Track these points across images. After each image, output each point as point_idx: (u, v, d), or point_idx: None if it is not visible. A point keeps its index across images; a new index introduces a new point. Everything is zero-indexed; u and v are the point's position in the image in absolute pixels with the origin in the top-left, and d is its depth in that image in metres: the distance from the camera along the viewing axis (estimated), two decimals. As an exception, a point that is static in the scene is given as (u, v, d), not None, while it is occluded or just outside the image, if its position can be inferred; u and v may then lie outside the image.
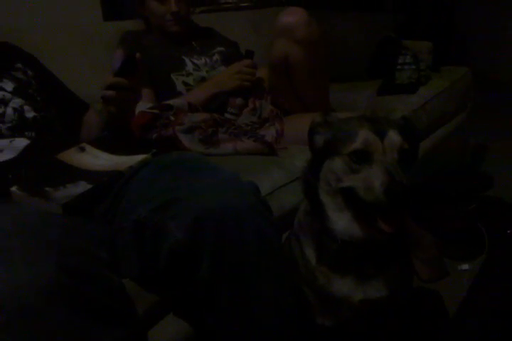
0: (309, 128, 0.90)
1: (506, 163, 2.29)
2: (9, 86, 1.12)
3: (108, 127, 1.13)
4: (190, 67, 1.64)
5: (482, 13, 4.14)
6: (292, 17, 1.42)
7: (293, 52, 1.45)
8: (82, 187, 0.91)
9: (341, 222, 0.85)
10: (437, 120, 1.88)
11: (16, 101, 1.10)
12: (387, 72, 1.84)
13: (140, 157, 1.01)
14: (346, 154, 0.81)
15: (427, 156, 1.80)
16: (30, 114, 1.10)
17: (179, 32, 1.66)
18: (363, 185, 0.78)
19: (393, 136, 0.81)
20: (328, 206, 0.85)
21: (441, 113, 1.90)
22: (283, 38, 1.44)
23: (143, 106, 1.34)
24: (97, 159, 1.01)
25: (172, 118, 1.35)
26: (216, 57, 1.72)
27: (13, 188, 0.89)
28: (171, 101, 1.41)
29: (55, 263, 0.65)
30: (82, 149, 1.03)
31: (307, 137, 0.90)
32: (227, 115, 1.52)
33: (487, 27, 4.13)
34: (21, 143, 1.03)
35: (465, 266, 1.56)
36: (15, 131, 1.06)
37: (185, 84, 1.61)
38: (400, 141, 0.80)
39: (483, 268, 1.51)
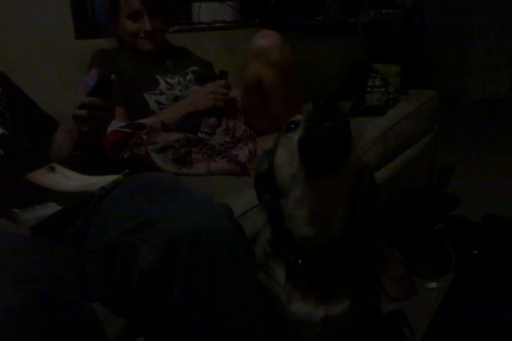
0: (254, 181, 0.92)
1: (472, 183, 2.36)
2: None
3: (79, 146, 1.12)
4: (163, 86, 1.64)
5: (448, 38, 4.31)
6: (266, 40, 1.45)
7: (266, 75, 1.47)
8: (51, 208, 0.89)
9: (300, 217, 0.83)
10: (405, 141, 1.93)
11: (-15, 118, 1.08)
12: (357, 94, 1.88)
13: (112, 177, 1.00)
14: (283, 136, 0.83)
15: (396, 176, 1.84)
16: (-2, 130, 1.08)
17: (152, 51, 1.66)
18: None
19: None
20: (287, 207, 0.84)
21: (409, 134, 1.95)
22: (257, 60, 1.46)
23: (115, 125, 1.33)
24: (67, 179, 0.99)
25: (145, 137, 1.34)
26: (190, 76, 1.72)
27: (-21, 209, 0.87)
28: (143, 120, 1.41)
29: (23, 289, 0.63)
30: (53, 169, 1.01)
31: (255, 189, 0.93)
32: (200, 134, 1.52)
33: (453, 51, 4.30)
34: (-11, 161, 1.01)
35: (432, 284, 1.59)
36: (-18, 149, 1.03)
37: (159, 103, 1.61)
38: None
39: (451, 287, 1.54)
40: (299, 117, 0.82)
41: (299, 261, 0.86)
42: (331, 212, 0.83)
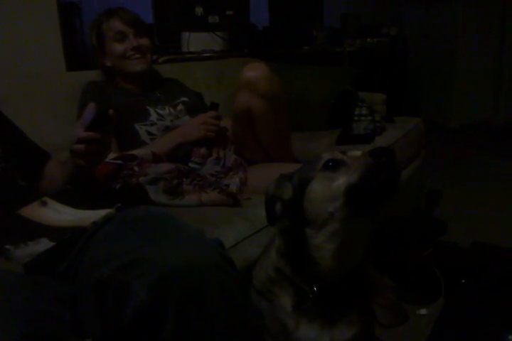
0: (265, 201, 0.92)
1: (459, 208, 2.39)
2: None
3: (73, 179, 1.13)
4: (154, 117, 1.65)
5: (431, 65, 4.42)
6: (255, 72, 1.48)
7: (256, 105, 1.50)
8: (44, 244, 0.88)
9: (329, 250, 0.86)
10: (393, 168, 1.95)
11: (-24, 152, 1.08)
12: (345, 122, 1.92)
13: (104, 212, 1.00)
14: (318, 171, 0.85)
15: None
16: (-11, 165, 1.08)
17: (143, 72, 1.68)
18: (354, 176, 0.80)
19: (354, 152, 0.87)
20: (316, 238, 0.86)
21: (396, 161, 1.97)
22: (246, 91, 1.49)
23: (106, 156, 1.34)
24: (59, 214, 0.99)
25: (136, 168, 1.35)
26: (180, 107, 1.74)
27: (-29, 247, 0.87)
28: (135, 152, 1.42)
29: (19, 331, 0.63)
30: (44, 203, 1.01)
31: (265, 210, 0.93)
32: (191, 164, 1.53)
33: (436, 77, 4.40)
34: (-20, 196, 1.01)
35: (423, 311, 1.60)
36: (-27, 184, 1.04)
37: (149, 133, 1.63)
38: (362, 153, 0.86)
39: (442, 313, 1.54)
40: (338, 155, 0.86)
41: (315, 288, 0.89)
42: (358, 247, 0.89)
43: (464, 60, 4.25)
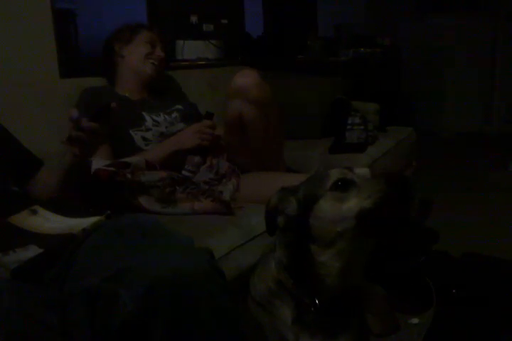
0: (266, 213, 0.92)
1: (451, 218, 2.40)
2: None
3: (64, 187, 1.12)
4: (149, 122, 1.66)
5: (424, 75, 4.47)
6: (245, 79, 1.49)
7: (246, 111, 1.50)
8: (32, 251, 0.88)
9: (335, 267, 0.86)
10: (385, 177, 1.96)
11: (-30, 159, 1.07)
12: (338, 131, 1.93)
13: (93, 219, 0.99)
14: (327, 191, 0.83)
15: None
16: (-18, 172, 1.08)
17: (151, 76, 1.75)
18: (368, 201, 0.79)
19: (361, 170, 0.87)
20: (322, 256, 0.86)
21: (389, 171, 1.99)
22: (237, 98, 1.50)
23: (99, 163, 1.34)
24: (49, 222, 0.98)
25: (129, 176, 1.35)
26: (175, 114, 1.76)
27: (-40, 253, 0.86)
28: (128, 159, 1.42)
29: (2, 331, 0.62)
30: (34, 212, 1.00)
31: (265, 222, 0.93)
32: (184, 172, 1.53)
33: (429, 87, 4.44)
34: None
35: (415, 320, 1.59)
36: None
37: (144, 139, 1.63)
38: (369, 172, 0.86)
39: (434, 322, 1.54)
40: (348, 174, 0.84)
41: (317, 301, 0.88)
42: (363, 263, 0.89)
43: (456, 70, 4.30)
